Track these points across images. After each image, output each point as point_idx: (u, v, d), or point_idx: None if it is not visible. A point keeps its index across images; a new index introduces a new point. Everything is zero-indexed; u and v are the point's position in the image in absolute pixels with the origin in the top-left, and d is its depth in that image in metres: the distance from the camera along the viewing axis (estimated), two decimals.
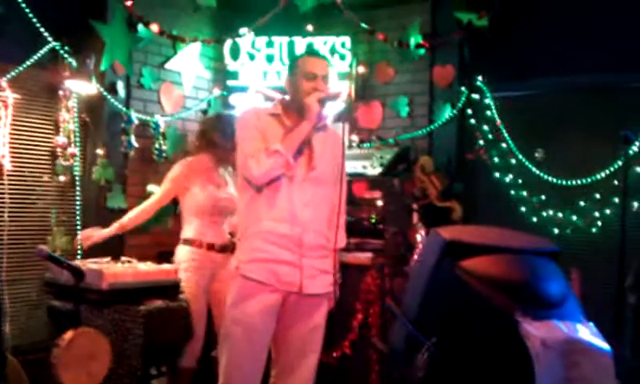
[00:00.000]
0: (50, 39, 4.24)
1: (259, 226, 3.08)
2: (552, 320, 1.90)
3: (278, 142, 3.01)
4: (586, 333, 1.95)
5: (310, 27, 5.38)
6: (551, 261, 2.19)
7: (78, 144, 4.46)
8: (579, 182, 4.71)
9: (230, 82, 5.45)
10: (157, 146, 4.97)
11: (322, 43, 5.30)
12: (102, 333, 3.51)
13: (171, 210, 4.67)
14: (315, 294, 3.11)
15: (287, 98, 3.19)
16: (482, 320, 2.02)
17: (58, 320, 3.83)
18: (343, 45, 5.34)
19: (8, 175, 4.16)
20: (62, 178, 4.45)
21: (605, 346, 1.96)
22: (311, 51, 3.64)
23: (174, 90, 5.23)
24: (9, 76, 4.08)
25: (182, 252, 4.17)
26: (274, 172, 3.01)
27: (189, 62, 5.27)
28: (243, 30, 5.23)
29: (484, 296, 2.02)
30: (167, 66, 5.16)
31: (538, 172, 4.86)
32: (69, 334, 3.34)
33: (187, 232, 4.19)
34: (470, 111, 5.09)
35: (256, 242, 3.08)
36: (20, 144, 4.27)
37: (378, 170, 4.84)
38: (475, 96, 5.08)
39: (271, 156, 2.98)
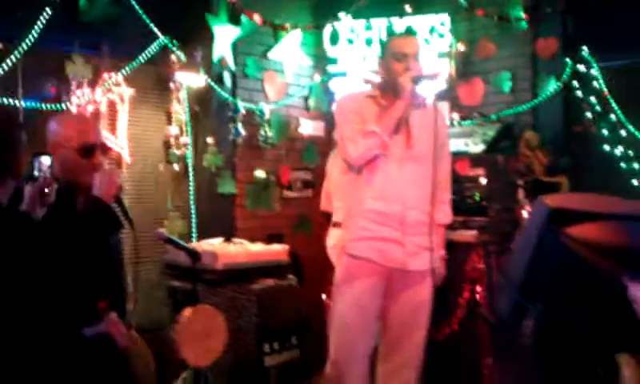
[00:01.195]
0: (159, 34, 4.47)
1: (362, 206, 3.16)
2: None
3: (374, 122, 3.07)
4: None
5: (407, 7, 5.38)
6: None
7: (189, 133, 4.70)
8: None
9: (330, 68, 5.54)
10: (262, 132, 5.14)
11: (420, 23, 5.30)
12: (218, 310, 3.70)
13: (277, 193, 4.85)
14: (418, 270, 3.16)
15: (381, 79, 3.25)
16: (588, 286, 2.02)
17: (177, 299, 4.07)
18: (442, 24, 5.30)
19: (127, 165, 4.43)
20: (175, 166, 4.69)
21: None
22: (399, 32, 3.66)
23: (277, 78, 5.38)
24: (123, 72, 4.34)
25: (334, 235, 4.14)
26: (371, 152, 3.07)
27: (290, 50, 5.40)
28: (341, 15, 5.31)
29: (590, 262, 2.01)
30: (269, 55, 5.31)
31: None
32: (188, 311, 3.54)
33: (337, 216, 4.19)
34: (575, 83, 4.95)
35: (360, 221, 3.17)
36: (136, 136, 4.54)
37: (480, 147, 4.81)
38: (580, 67, 4.93)
39: (367, 137, 3.05)
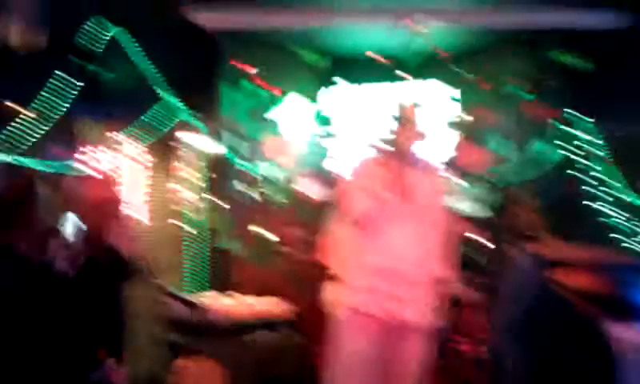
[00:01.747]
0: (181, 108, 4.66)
1: (362, 261, 3.23)
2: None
3: (384, 186, 3.19)
4: None
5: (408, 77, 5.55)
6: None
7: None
8: None
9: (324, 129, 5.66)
10: (263, 192, 5.28)
11: (424, 90, 5.45)
12: (215, 361, 3.72)
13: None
14: (416, 324, 3.19)
15: (390, 143, 3.39)
16: (572, 327, 2.08)
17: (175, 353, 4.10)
18: (453, 98, 5.47)
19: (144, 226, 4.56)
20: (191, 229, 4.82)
21: None
22: (401, 100, 3.87)
23: (277, 140, 5.51)
24: (143, 138, 4.51)
25: (330, 289, 4.07)
26: (369, 210, 3.18)
27: (290, 113, 5.57)
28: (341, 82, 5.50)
29: (575, 306, 2.07)
30: (270, 116, 5.47)
31: None
32: (184, 363, 3.58)
33: (335, 270, 4.11)
34: (574, 149, 5.06)
35: (360, 276, 3.24)
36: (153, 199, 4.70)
37: (484, 211, 4.91)
38: (580, 134, 5.05)
39: (367, 197, 3.17)
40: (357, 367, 3.20)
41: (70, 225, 2.60)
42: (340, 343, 3.26)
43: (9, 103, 4.05)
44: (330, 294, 4.06)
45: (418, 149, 3.28)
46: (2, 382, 2.34)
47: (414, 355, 3.23)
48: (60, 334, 2.46)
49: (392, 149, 3.32)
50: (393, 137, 3.30)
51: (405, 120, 3.27)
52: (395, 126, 3.30)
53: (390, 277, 3.18)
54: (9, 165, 3.87)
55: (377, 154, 3.48)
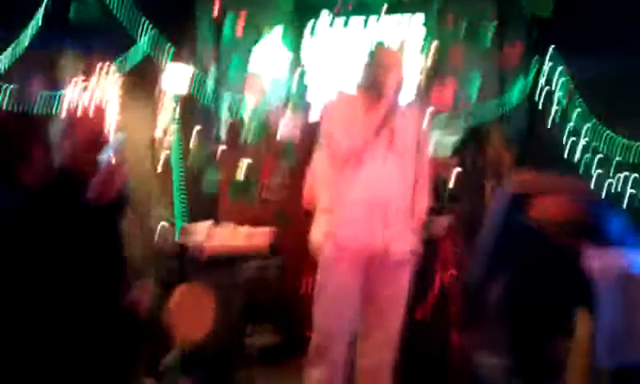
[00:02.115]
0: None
1: (348, 196, 3.45)
2: (611, 250, 2.19)
3: (359, 123, 3.38)
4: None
5: (385, 6, 5.66)
6: (609, 202, 2.48)
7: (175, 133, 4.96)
8: None
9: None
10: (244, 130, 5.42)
11: (396, 21, 5.58)
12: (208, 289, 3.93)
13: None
14: (399, 254, 3.44)
15: (366, 82, 3.55)
16: (548, 256, 2.33)
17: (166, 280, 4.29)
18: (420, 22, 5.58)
19: None
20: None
21: None
22: (384, 44, 4.02)
23: (258, 78, 5.61)
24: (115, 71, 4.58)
25: (320, 221, 4.19)
26: (356, 150, 3.38)
27: (272, 48, 5.65)
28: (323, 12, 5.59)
29: (550, 234, 2.32)
30: (253, 52, 5.57)
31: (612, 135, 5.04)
32: (179, 290, 3.78)
33: (324, 203, 4.27)
34: (541, 82, 5.30)
35: (346, 209, 3.46)
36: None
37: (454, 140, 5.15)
38: (545, 69, 5.28)
39: (352, 137, 3.36)
40: (343, 297, 3.42)
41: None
42: (326, 275, 3.48)
43: None
44: (318, 226, 4.27)
45: (398, 89, 3.43)
46: (26, 317, 2.46)
47: (397, 284, 3.47)
48: (82, 264, 2.58)
49: (371, 88, 3.49)
50: (375, 80, 3.46)
51: (390, 66, 3.44)
52: (374, 67, 3.47)
53: (372, 209, 3.42)
54: None
55: (353, 90, 3.65)
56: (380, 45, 3.88)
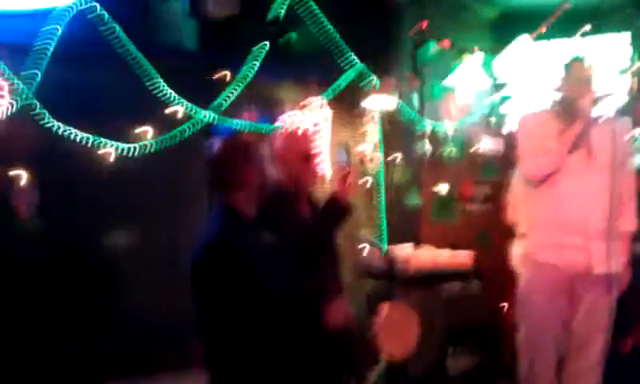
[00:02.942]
0: (357, 62, 4.97)
1: (546, 216, 3.46)
2: None
3: (553, 140, 3.36)
4: None
5: (587, 27, 5.51)
6: None
7: (381, 150, 5.18)
8: None
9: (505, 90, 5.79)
10: (446, 149, 5.53)
11: (599, 41, 5.42)
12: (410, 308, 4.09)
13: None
14: (601, 274, 3.37)
15: (560, 98, 3.53)
16: None
17: (371, 299, 4.52)
18: (623, 42, 5.40)
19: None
20: (368, 180, 5.19)
21: None
22: (578, 57, 3.94)
23: (459, 98, 5.73)
24: (326, 95, 4.88)
25: (519, 245, 4.24)
26: (548, 168, 3.37)
27: (471, 72, 5.73)
28: (523, 37, 5.57)
29: None
30: (452, 76, 5.69)
31: None
32: (385, 307, 3.96)
33: (523, 227, 4.23)
34: None
35: (544, 230, 3.47)
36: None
37: None
38: None
39: (545, 154, 3.35)
40: (545, 317, 3.45)
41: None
42: (528, 296, 3.51)
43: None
44: (518, 249, 4.29)
45: (595, 105, 3.39)
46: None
47: (600, 304, 3.42)
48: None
49: (565, 105, 3.46)
50: (566, 93, 3.45)
51: (578, 77, 3.40)
52: (568, 82, 3.44)
53: (575, 230, 3.38)
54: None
55: (547, 108, 3.63)
56: (576, 59, 3.86)
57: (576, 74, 3.44)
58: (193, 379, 3.29)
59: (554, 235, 3.44)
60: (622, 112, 4.55)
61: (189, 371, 3.51)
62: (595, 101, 3.37)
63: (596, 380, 3.47)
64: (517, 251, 4.34)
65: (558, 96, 3.56)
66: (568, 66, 3.54)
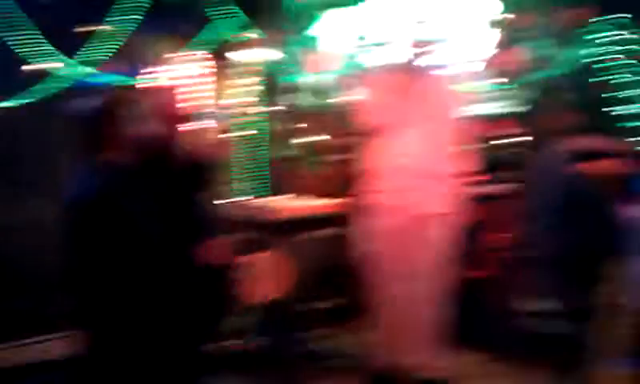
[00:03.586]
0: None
1: (384, 163, 3.71)
2: None
3: (390, 94, 3.60)
4: None
5: None
6: None
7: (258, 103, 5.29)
8: None
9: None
10: (308, 100, 5.66)
11: None
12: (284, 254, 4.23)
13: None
14: (435, 213, 3.68)
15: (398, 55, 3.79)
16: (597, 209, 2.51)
17: (246, 247, 4.61)
18: None
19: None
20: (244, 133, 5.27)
21: None
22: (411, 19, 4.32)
23: (322, 52, 5.80)
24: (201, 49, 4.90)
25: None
26: (388, 120, 3.61)
27: (335, 25, 5.86)
28: None
29: (599, 190, 2.49)
30: (313, 29, 5.78)
31: None
32: (259, 255, 4.09)
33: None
34: (613, 47, 5.31)
35: (383, 175, 3.73)
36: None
37: (520, 109, 5.25)
38: (618, 32, 5.29)
39: (384, 108, 3.59)
40: (392, 260, 3.72)
41: None
42: (375, 239, 3.75)
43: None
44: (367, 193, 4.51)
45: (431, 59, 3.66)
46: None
47: (435, 240, 3.70)
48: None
49: (403, 62, 3.68)
50: (404, 52, 3.70)
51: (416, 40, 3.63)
52: (406, 42, 3.67)
53: (410, 174, 3.65)
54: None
55: (386, 66, 3.86)
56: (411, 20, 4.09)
57: (410, 33, 3.65)
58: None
59: (391, 180, 3.69)
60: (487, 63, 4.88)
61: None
62: (419, 53, 3.59)
63: (435, 306, 3.72)
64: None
65: (398, 53, 3.77)
66: (403, 27, 3.76)
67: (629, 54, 5.21)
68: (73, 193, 2.68)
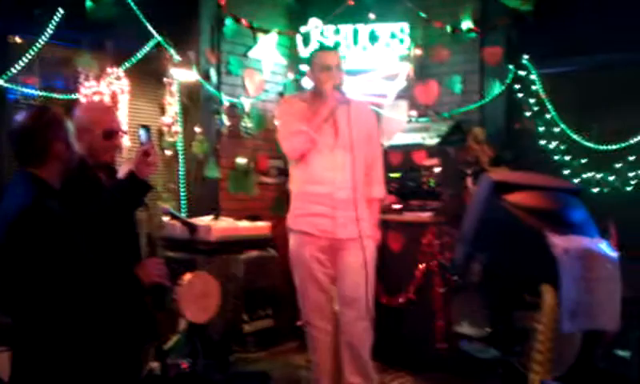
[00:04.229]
0: (155, 34, 5.03)
1: (300, 189, 3.85)
2: (573, 235, 2.57)
3: (304, 122, 3.75)
4: (600, 245, 2.62)
5: (371, 15, 6.02)
6: (575, 196, 2.86)
7: (180, 123, 5.28)
8: (615, 146, 5.32)
9: (302, 67, 6.14)
10: (243, 124, 5.76)
11: (382, 30, 5.96)
12: (212, 276, 4.26)
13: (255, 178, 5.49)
14: (349, 238, 3.81)
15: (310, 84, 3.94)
16: (520, 237, 2.71)
17: (173, 268, 4.62)
18: (402, 30, 5.97)
19: (127, 150, 4.97)
20: (168, 152, 5.27)
21: (613, 254, 2.62)
22: (323, 46, 4.50)
23: (256, 75, 5.99)
24: (124, 67, 4.90)
25: None
26: (301, 147, 3.75)
27: (268, 51, 6.02)
28: (312, 20, 5.95)
29: (522, 220, 2.69)
30: (250, 54, 5.92)
31: (578, 139, 5.47)
32: (188, 276, 4.10)
33: None
34: (517, 86, 5.70)
35: (298, 202, 3.86)
36: (134, 124, 5.08)
37: (435, 141, 5.52)
38: (521, 73, 5.68)
39: (298, 135, 3.74)
40: (311, 274, 3.83)
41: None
42: (293, 261, 3.89)
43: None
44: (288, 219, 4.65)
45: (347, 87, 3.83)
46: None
47: (356, 264, 3.80)
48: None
49: (314, 89, 3.85)
50: (314, 79, 3.83)
51: (322, 65, 3.78)
52: (315, 70, 3.83)
53: (323, 201, 3.80)
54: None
55: (301, 93, 3.99)
56: (321, 48, 4.29)
57: (320, 62, 3.80)
58: None
59: (306, 206, 3.82)
60: (400, 96, 5.11)
61: None
62: (337, 86, 3.76)
63: (364, 328, 3.86)
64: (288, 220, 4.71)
65: (310, 82, 3.92)
66: (313, 55, 3.90)
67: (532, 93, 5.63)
68: (1, 207, 2.64)
